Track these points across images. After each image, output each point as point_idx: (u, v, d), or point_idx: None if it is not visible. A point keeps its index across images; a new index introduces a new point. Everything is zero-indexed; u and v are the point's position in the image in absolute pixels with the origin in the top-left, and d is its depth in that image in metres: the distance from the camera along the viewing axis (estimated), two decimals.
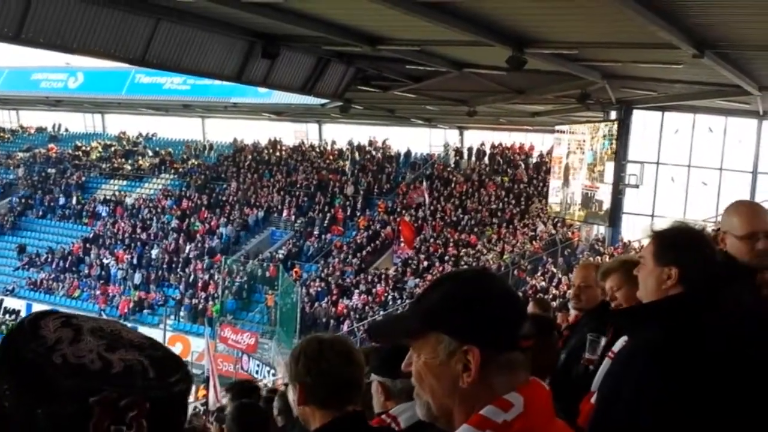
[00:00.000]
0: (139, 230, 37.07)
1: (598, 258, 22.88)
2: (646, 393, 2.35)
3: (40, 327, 1.06)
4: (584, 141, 25.76)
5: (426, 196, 32.81)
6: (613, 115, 25.63)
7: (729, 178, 25.40)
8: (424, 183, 33.42)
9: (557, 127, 27.83)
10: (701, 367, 2.27)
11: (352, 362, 2.66)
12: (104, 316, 28.80)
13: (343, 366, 2.62)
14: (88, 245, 36.59)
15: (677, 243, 2.63)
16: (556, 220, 29.36)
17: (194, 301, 31.68)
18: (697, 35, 14.00)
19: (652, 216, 25.35)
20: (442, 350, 1.59)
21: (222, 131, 43.29)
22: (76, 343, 1.04)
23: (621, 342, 3.02)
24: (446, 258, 29.28)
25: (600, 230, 27.31)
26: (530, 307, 6.67)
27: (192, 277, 33.30)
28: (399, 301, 27.82)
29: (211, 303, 31.40)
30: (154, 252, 35.45)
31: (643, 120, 25.69)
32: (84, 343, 1.04)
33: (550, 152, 31.42)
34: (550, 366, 3.61)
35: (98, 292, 33.69)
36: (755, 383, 2.22)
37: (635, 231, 24.52)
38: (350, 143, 39.74)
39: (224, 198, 37.79)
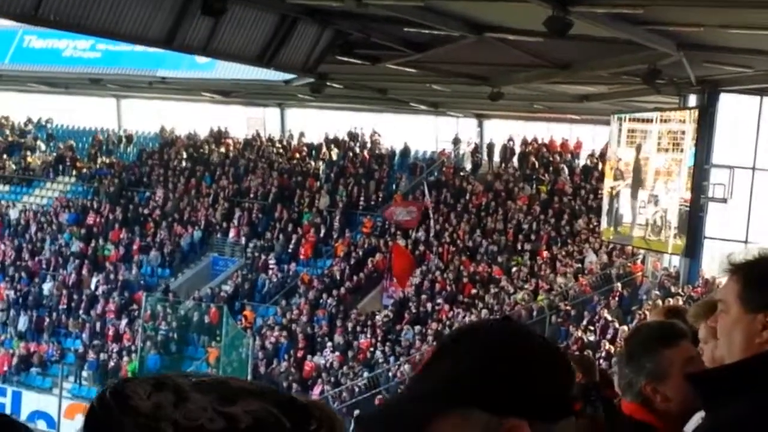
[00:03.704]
0: (26, 255, 36.91)
1: (670, 300, 22.90)
2: None
3: (128, 397, 1.14)
4: (683, 133, 25.44)
5: (426, 209, 32.80)
6: (693, 101, 25.70)
7: None
8: (427, 193, 33.46)
9: (632, 115, 27.58)
10: None
11: None
12: None
13: None
14: None
15: None
16: (611, 247, 29.41)
17: (102, 356, 31.49)
18: None
19: (746, 242, 25.35)
20: (474, 431, 1.63)
21: (145, 117, 43.25)
22: (182, 403, 1.12)
23: (696, 420, 3.00)
24: (458, 298, 29.24)
25: (672, 261, 27.36)
26: None
27: (100, 322, 33.12)
28: (392, 359, 27.76)
29: (126, 359, 31.22)
30: (47, 286, 35.26)
31: (733, 108, 25.79)
32: (192, 402, 1.13)
33: (604, 152, 31.50)
34: None
35: None
36: None
37: (722, 263, 24.56)
38: (325, 136, 39.77)
39: (147, 212, 37.70)
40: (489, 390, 1.63)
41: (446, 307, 29.00)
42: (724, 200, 25.54)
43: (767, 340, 2.57)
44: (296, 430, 1.17)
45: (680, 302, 21.90)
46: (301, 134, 40.66)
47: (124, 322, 32.83)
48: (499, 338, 1.71)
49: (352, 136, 39.30)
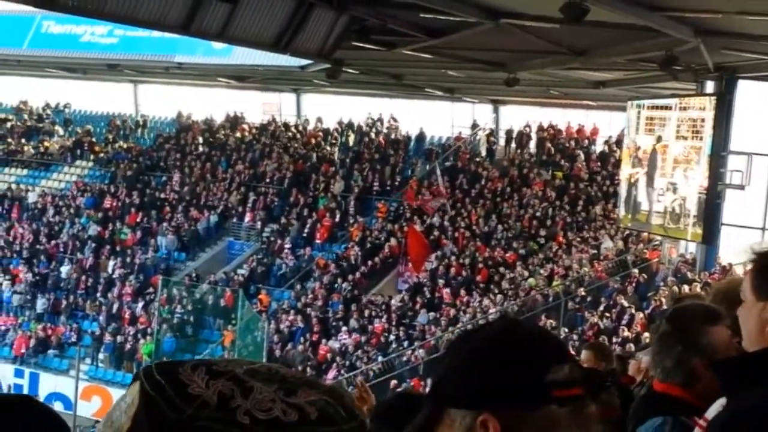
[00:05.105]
0: (43, 238, 37.08)
1: (686, 288, 22.85)
2: None
3: (186, 384, 1.13)
4: (703, 120, 25.27)
5: (443, 195, 32.82)
6: (710, 87, 25.56)
7: None
8: (440, 178, 33.41)
9: (649, 101, 27.36)
10: None
11: None
12: None
13: None
14: None
15: None
16: (627, 233, 29.32)
17: (119, 338, 31.68)
18: None
19: (763, 229, 25.25)
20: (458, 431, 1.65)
21: (162, 102, 43.32)
22: (249, 393, 1.12)
23: (717, 406, 2.99)
24: (473, 284, 29.25)
25: (689, 248, 27.26)
26: (584, 356, 6.76)
27: (116, 305, 33.30)
28: (405, 343, 27.80)
29: (141, 341, 31.39)
30: (65, 269, 35.47)
31: (751, 94, 25.63)
32: (258, 392, 1.13)
33: (620, 138, 31.37)
34: None
35: None
36: None
37: (739, 249, 24.45)
38: (340, 122, 39.75)
39: (163, 196, 37.81)
40: (457, 387, 1.67)
41: (461, 291, 29.04)
42: (742, 187, 25.41)
43: None
44: (350, 419, 1.18)
45: (697, 288, 21.86)
46: (318, 120, 40.66)
47: (140, 305, 33.01)
48: (471, 336, 1.75)
49: (373, 122, 39.27)
